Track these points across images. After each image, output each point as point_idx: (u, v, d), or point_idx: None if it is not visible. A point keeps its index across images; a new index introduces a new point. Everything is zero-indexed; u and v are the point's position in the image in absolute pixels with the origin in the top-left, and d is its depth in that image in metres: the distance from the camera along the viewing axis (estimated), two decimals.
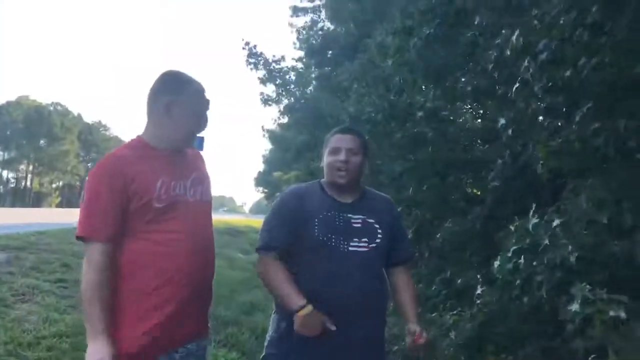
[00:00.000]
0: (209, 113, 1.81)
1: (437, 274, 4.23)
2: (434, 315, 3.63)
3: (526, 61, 3.32)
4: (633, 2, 2.66)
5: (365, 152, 1.94)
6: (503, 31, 4.26)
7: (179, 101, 1.70)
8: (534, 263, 2.32)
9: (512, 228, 2.58)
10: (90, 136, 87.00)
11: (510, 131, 3.38)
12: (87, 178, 1.69)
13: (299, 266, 1.84)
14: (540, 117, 3.70)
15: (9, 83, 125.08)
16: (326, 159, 1.92)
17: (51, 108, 78.93)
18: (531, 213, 2.55)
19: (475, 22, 3.87)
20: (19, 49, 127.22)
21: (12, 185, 79.51)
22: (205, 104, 1.78)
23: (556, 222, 2.35)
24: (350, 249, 1.80)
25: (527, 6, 3.59)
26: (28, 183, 79.35)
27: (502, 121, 3.38)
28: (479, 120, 5.78)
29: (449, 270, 4.05)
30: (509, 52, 3.63)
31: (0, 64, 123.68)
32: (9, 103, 74.38)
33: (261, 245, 1.88)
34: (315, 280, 1.78)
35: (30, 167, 79.31)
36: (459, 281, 3.68)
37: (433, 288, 4.06)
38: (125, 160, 1.65)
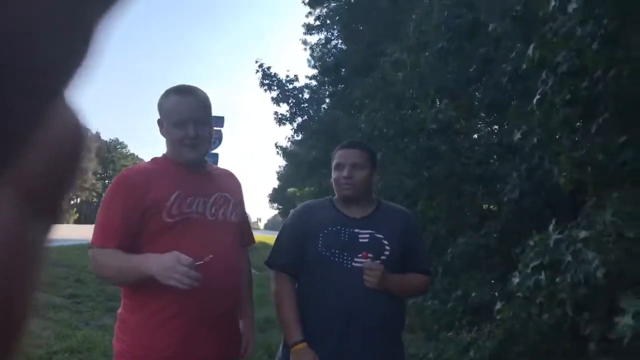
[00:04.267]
0: (200, 121, 1.63)
1: (452, 290, 4.14)
2: (450, 334, 3.52)
3: (544, 74, 3.27)
4: None
5: (373, 165, 1.91)
6: (518, 45, 4.25)
7: (161, 117, 1.67)
8: (557, 280, 2.23)
9: (532, 243, 2.49)
10: (108, 154, 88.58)
11: (527, 144, 3.31)
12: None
13: (304, 280, 1.82)
14: (558, 131, 3.66)
15: None
16: (333, 175, 1.91)
17: None
18: (551, 227, 2.45)
19: (489, 29, 3.83)
20: None
21: None
22: (184, 113, 1.61)
23: (583, 234, 2.25)
24: (354, 264, 1.74)
25: (541, 19, 3.56)
26: None
27: (518, 135, 3.31)
28: (494, 135, 5.72)
29: (463, 287, 3.95)
30: (524, 66, 3.60)
31: None
32: None
33: (271, 262, 1.88)
34: (319, 296, 1.75)
35: None
36: (474, 296, 3.57)
37: (448, 305, 3.95)
38: (143, 173, 1.63)
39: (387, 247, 1.79)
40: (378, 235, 1.80)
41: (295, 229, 1.88)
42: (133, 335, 1.56)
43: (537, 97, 3.05)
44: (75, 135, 0.19)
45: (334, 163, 1.90)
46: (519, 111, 3.66)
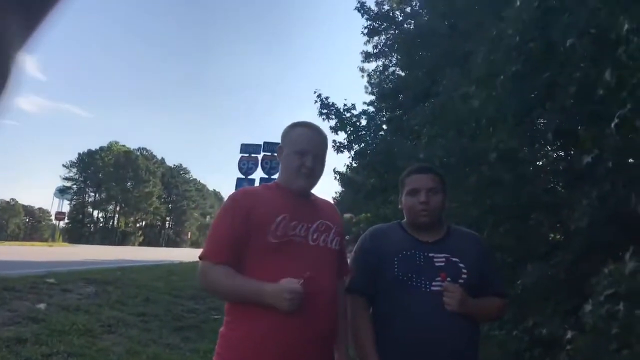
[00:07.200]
0: (318, 156, 1.77)
1: (519, 322, 3.98)
2: None
3: (623, 95, 3.14)
4: None
5: (445, 189, 1.91)
6: (582, 64, 4.10)
7: (283, 144, 1.81)
8: (636, 312, 2.11)
9: (606, 271, 2.38)
10: (172, 179, 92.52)
11: (599, 169, 3.17)
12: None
13: (379, 305, 1.82)
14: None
15: (102, 129, 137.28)
16: (405, 201, 1.90)
17: (138, 153, 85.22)
18: (628, 256, 2.34)
19: (567, 45, 3.73)
20: (110, 97, 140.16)
21: (102, 224, 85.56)
22: (307, 144, 1.75)
23: None
24: (432, 288, 1.73)
25: (613, 41, 3.45)
26: (115, 222, 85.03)
27: (588, 159, 3.19)
28: (559, 161, 5.52)
29: (531, 319, 3.78)
30: (600, 91, 3.45)
31: (93, 113, 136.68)
32: (101, 148, 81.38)
33: (348, 287, 1.89)
34: (397, 321, 1.74)
35: (118, 208, 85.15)
36: (544, 331, 3.41)
37: (514, 333, 3.79)
38: (253, 195, 1.76)
39: (464, 270, 1.77)
40: (454, 259, 1.79)
41: (369, 253, 1.89)
42: (235, 353, 1.60)
43: (616, 121, 2.93)
44: None
45: (406, 189, 1.90)
46: (590, 135, 3.52)
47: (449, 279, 1.72)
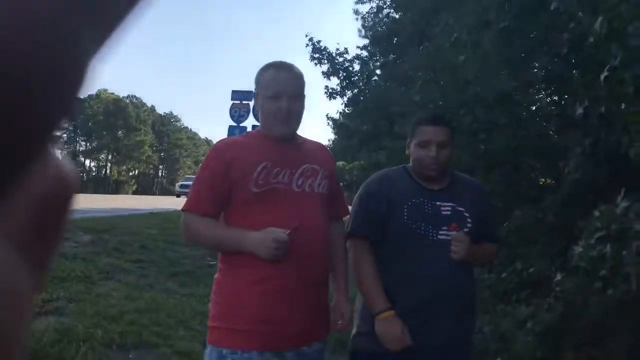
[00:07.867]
0: (293, 96, 1.67)
1: (508, 265, 4.10)
2: (507, 307, 3.50)
3: (613, 47, 3.09)
4: None
5: (453, 141, 1.88)
6: (580, 13, 4.01)
7: (258, 90, 1.72)
8: (624, 252, 2.17)
9: (597, 213, 2.42)
10: (163, 127, 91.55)
11: (592, 115, 3.17)
12: None
13: (386, 252, 1.82)
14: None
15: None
16: (415, 151, 1.85)
17: (127, 100, 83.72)
18: (620, 198, 2.37)
19: (552, 8, 3.64)
20: None
21: (94, 174, 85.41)
22: (280, 87, 1.66)
23: None
24: (439, 237, 1.75)
25: None
26: (108, 171, 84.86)
27: (580, 110, 3.18)
28: (554, 107, 5.50)
29: (519, 261, 3.90)
30: (591, 39, 3.39)
31: None
32: (90, 97, 79.72)
33: (352, 230, 1.86)
34: (405, 269, 1.76)
35: (110, 157, 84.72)
36: (531, 270, 3.52)
37: (503, 275, 3.91)
38: (233, 145, 1.70)
39: (469, 220, 1.80)
40: (459, 208, 1.80)
41: (375, 198, 1.85)
42: (228, 298, 1.61)
43: (606, 73, 2.88)
44: (62, 188, 0.20)
45: (416, 139, 1.85)
46: (583, 82, 3.49)
47: (458, 229, 1.75)
